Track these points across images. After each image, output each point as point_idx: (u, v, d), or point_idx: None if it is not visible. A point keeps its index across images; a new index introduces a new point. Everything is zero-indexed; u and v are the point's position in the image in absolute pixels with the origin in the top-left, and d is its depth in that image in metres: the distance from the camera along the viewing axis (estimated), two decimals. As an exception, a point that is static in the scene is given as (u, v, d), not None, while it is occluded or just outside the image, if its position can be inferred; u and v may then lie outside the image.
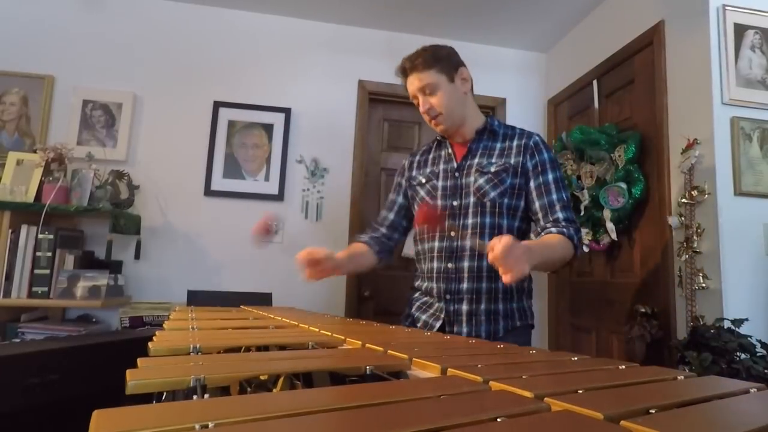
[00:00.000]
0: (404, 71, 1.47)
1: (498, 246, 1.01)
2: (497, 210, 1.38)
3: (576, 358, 0.71)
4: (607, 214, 2.20)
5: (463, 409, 0.42)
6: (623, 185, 2.13)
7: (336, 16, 2.89)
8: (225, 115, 2.77)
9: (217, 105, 2.76)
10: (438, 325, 1.40)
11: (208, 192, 2.70)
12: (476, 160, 1.43)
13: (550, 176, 1.38)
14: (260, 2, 2.78)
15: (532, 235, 1.39)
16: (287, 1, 2.75)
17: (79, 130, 2.61)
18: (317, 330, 1.01)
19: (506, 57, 3.13)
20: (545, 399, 0.44)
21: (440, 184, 1.46)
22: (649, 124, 2.17)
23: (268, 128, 2.79)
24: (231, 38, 2.83)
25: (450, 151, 1.49)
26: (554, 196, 1.36)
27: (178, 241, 2.64)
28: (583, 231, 2.34)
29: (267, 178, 2.76)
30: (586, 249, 2.35)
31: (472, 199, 1.40)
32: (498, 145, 1.44)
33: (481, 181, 1.40)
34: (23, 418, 1.47)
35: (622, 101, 2.42)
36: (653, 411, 0.41)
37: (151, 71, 2.73)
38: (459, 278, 1.38)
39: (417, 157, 1.60)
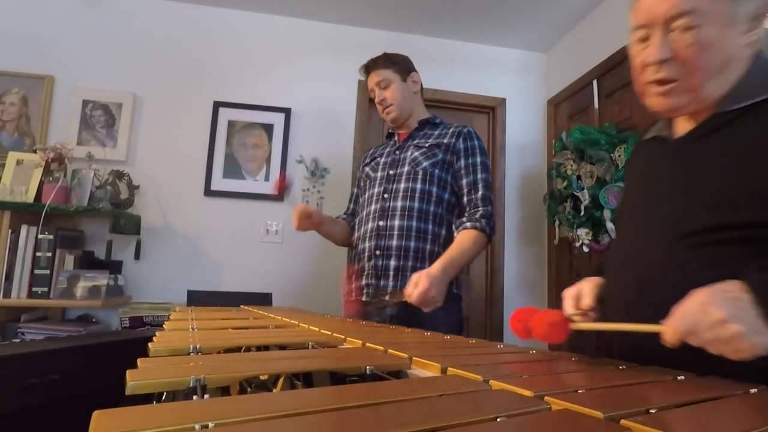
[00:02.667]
0: (367, 69, 1.76)
1: (415, 294, 1.29)
2: (428, 178, 1.58)
3: (576, 358, 0.71)
4: (607, 214, 2.20)
5: (464, 408, 0.42)
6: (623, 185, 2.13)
7: (336, 16, 2.89)
8: (225, 115, 2.77)
9: (217, 105, 2.76)
10: (372, 282, 1.56)
11: (208, 192, 2.69)
12: (415, 141, 1.68)
13: (479, 159, 1.60)
14: (260, 2, 2.78)
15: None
16: (287, 1, 2.75)
17: (79, 130, 2.61)
18: (317, 330, 1.01)
19: (506, 57, 3.13)
20: (545, 398, 0.44)
21: (382, 160, 1.71)
22: (649, 123, 2.17)
23: (268, 128, 2.79)
24: (231, 38, 2.83)
25: (396, 139, 1.75)
26: (479, 176, 1.58)
27: (178, 241, 2.64)
28: (583, 231, 2.34)
29: (267, 178, 2.76)
30: (586, 249, 2.35)
31: (406, 168, 1.62)
32: (436, 132, 1.68)
33: (416, 153, 1.63)
34: (23, 418, 1.47)
35: (622, 101, 2.42)
36: (653, 410, 0.41)
37: (151, 71, 2.73)
38: (389, 235, 1.55)
39: (370, 151, 1.85)
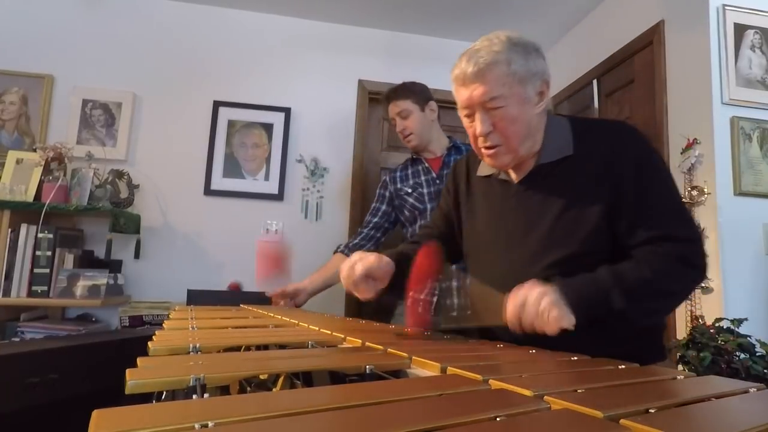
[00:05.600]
0: (387, 98, 1.91)
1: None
2: None
3: (576, 358, 0.72)
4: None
5: (463, 407, 0.42)
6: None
7: (336, 16, 2.88)
8: (225, 114, 2.77)
9: (217, 105, 2.76)
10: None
11: (208, 191, 2.70)
12: None
13: None
14: (260, 2, 2.78)
15: None
16: (287, 1, 2.75)
17: (79, 129, 2.61)
18: (317, 329, 1.01)
19: (506, 57, 3.13)
20: (545, 398, 0.44)
21: (425, 190, 1.83)
22: (649, 123, 2.17)
23: (268, 128, 2.79)
24: (231, 38, 2.83)
25: (426, 165, 1.88)
26: None
27: (177, 240, 2.64)
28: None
29: (267, 178, 2.76)
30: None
31: None
32: None
33: None
34: (23, 417, 1.47)
35: (622, 101, 2.42)
36: (653, 410, 0.41)
37: (151, 71, 2.73)
38: None
39: (398, 173, 1.95)
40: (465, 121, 0.98)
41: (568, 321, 0.79)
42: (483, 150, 0.96)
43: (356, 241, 1.93)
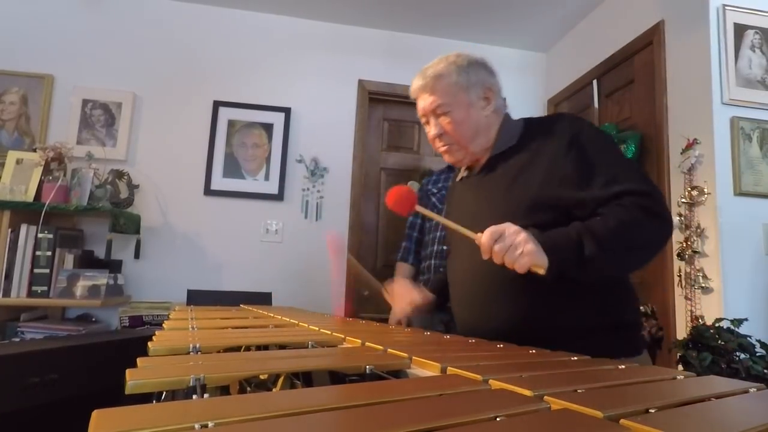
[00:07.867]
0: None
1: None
2: None
3: (576, 358, 0.72)
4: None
5: (463, 407, 0.42)
6: (623, 185, 2.14)
7: (336, 16, 2.88)
8: (225, 114, 2.76)
9: (217, 105, 2.76)
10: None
11: (208, 191, 2.69)
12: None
13: None
14: (260, 2, 2.78)
15: None
16: (287, 1, 2.75)
17: (79, 129, 2.61)
18: (317, 329, 1.01)
19: (506, 57, 3.13)
20: (545, 398, 0.44)
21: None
22: (649, 123, 2.17)
23: (268, 128, 2.79)
24: (231, 38, 2.83)
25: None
26: None
27: (177, 240, 2.64)
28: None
29: (267, 178, 2.76)
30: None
31: None
32: None
33: None
34: (23, 417, 1.47)
35: (622, 101, 2.42)
36: (653, 410, 0.41)
37: (151, 71, 2.72)
38: None
39: (434, 177, 2.09)
40: (426, 128, 1.13)
41: (541, 260, 0.85)
42: (440, 149, 1.11)
43: (410, 246, 2.11)
